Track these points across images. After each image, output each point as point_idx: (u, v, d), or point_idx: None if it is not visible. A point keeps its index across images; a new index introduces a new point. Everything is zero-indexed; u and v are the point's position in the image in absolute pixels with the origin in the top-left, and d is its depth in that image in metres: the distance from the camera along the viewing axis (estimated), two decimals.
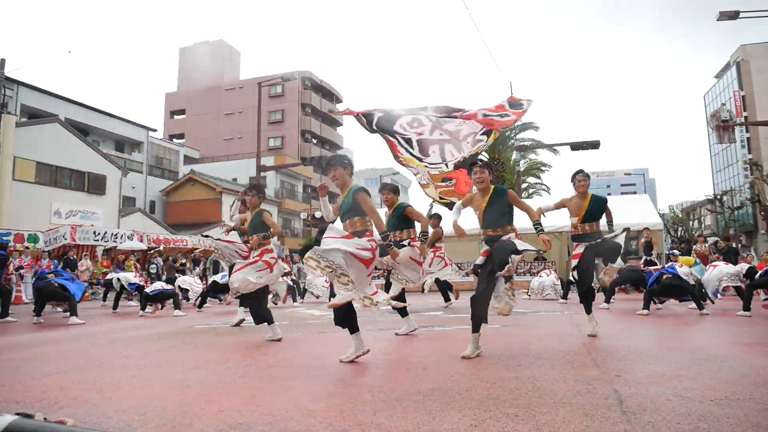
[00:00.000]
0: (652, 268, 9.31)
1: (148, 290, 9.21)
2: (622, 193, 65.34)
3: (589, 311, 5.08)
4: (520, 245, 3.88)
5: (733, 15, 14.06)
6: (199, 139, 44.83)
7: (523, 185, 26.77)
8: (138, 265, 15.26)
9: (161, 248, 17.88)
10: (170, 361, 4.10)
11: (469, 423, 2.30)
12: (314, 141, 45.78)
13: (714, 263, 8.47)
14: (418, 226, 5.64)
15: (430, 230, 7.14)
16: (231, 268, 6.37)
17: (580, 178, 5.31)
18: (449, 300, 8.92)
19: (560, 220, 12.08)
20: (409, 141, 5.20)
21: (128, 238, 16.86)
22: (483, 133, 5.29)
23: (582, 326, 5.53)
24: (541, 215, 4.64)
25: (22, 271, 13.33)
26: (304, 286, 12.92)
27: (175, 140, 43.32)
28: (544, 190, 28.73)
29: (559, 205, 5.39)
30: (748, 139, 43.12)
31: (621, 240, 5.38)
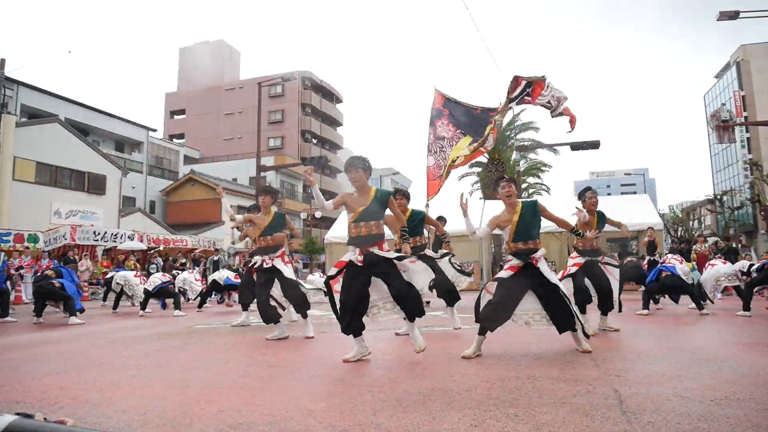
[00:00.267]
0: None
1: (148, 287, 9.23)
2: (622, 193, 65.32)
3: (582, 311, 5.18)
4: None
5: (733, 15, 14.06)
6: (199, 139, 44.84)
7: (523, 185, 26.78)
8: (138, 265, 15.25)
9: (161, 248, 17.88)
10: (170, 361, 4.10)
11: (469, 423, 2.30)
12: (314, 141, 45.77)
13: (712, 262, 8.43)
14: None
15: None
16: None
17: (590, 195, 5.44)
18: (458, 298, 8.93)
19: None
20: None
21: (129, 238, 16.86)
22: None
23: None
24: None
25: (22, 271, 13.33)
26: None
27: (175, 140, 43.34)
28: (544, 190, 28.75)
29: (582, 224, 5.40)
30: (748, 139, 43.14)
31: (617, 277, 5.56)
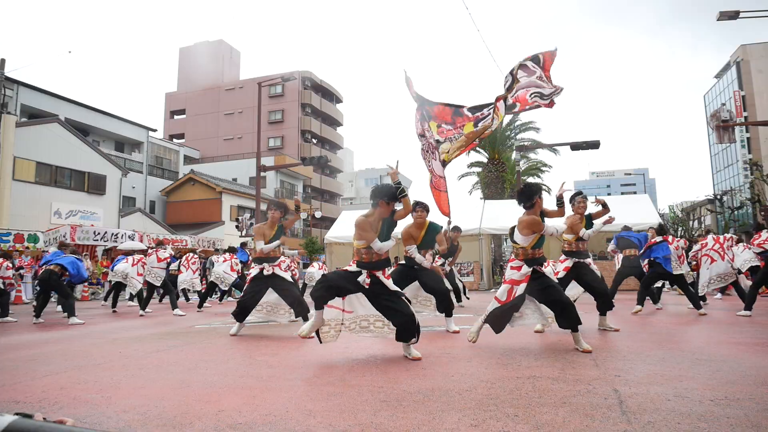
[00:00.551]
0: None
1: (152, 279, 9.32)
2: (622, 193, 65.37)
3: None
4: None
5: (733, 15, 14.05)
6: (199, 139, 44.83)
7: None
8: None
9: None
10: (170, 361, 4.10)
11: (469, 423, 2.30)
12: (314, 141, 45.76)
13: (711, 255, 8.18)
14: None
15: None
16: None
17: (579, 200, 5.68)
18: (460, 300, 8.95)
19: (560, 220, 12.11)
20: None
21: (129, 238, 16.87)
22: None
23: (581, 325, 5.53)
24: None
25: (22, 271, 13.33)
26: (304, 282, 12.94)
27: (175, 140, 43.34)
28: (544, 190, 28.73)
29: (570, 226, 5.65)
30: (748, 139, 43.16)
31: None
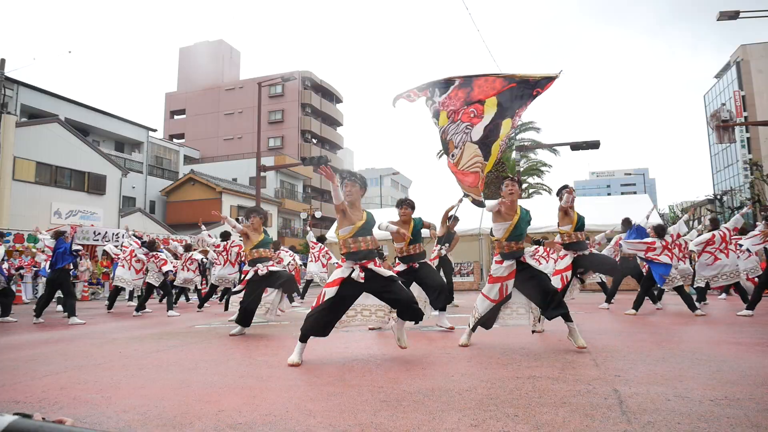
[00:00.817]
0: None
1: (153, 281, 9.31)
2: (622, 193, 65.38)
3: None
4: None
5: (733, 15, 14.05)
6: (199, 139, 44.82)
7: (524, 185, 26.77)
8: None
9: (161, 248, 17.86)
10: (170, 361, 4.10)
11: (469, 423, 2.30)
12: (314, 141, 45.76)
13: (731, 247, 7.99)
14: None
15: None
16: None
17: (566, 192, 5.72)
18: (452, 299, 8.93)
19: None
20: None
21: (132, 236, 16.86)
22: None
23: (581, 325, 5.53)
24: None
25: (22, 271, 13.34)
26: (304, 285, 12.93)
27: (175, 140, 43.33)
28: (545, 189, 28.72)
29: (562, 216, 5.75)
30: (748, 139, 43.18)
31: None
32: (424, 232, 5.77)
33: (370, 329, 5.56)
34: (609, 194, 65.23)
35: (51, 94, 25.18)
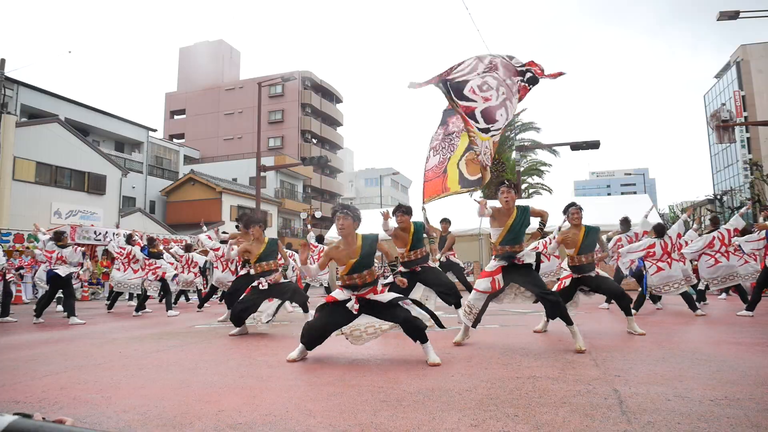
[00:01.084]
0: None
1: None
2: (622, 193, 65.36)
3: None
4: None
5: (733, 15, 14.05)
6: (199, 139, 44.82)
7: (524, 185, 26.77)
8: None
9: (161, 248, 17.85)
10: (170, 361, 4.10)
11: (469, 423, 2.30)
12: (314, 141, 45.76)
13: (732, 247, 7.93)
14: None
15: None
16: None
17: (573, 210, 5.37)
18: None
19: (560, 220, 12.06)
20: (473, 114, 5.12)
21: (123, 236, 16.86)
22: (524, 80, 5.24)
23: (581, 326, 5.53)
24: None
25: (22, 271, 13.32)
26: (303, 287, 12.92)
27: (175, 140, 43.32)
28: (545, 189, 28.73)
29: (560, 242, 5.43)
30: (748, 139, 43.18)
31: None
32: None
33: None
34: (609, 194, 65.22)
35: (51, 94, 25.17)
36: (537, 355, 4.04)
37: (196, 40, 61.14)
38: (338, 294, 3.98)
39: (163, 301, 11.63)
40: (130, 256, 9.38)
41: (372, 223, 7.65)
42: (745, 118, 40.51)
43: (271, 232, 33.26)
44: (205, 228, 10.21)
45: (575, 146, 17.76)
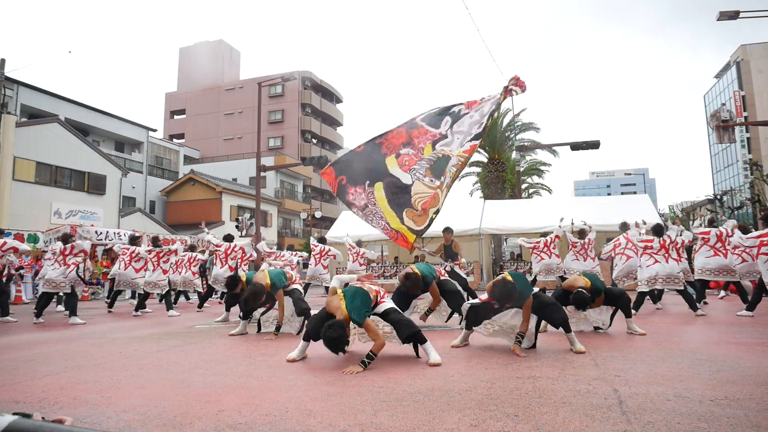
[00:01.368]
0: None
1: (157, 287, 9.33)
2: (622, 193, 65.35)
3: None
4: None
5: (733, 15, 14.05)
6: (199, 139, 44.83)
7: (524, 185, 26.76)
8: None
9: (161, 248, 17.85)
10: (170, 361, 4.10)
11: (469, 423, 2.30)
12: (314, 141, 45.76)
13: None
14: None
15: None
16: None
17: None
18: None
19: (558, 220, 12.06)
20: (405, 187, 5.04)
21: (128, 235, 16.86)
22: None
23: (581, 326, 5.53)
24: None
25: (22, 271, 13.33)
26: (306, 282, 12.94)
27: (175, 140, 43.33)
28: (544, 189, 28.71)
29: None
30: (748, 139, 43.18)
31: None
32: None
33: None
34: (609, 194, 65.22)
35: (51, 94, 25.17)
36: (537, 355, 4.04)
37: (196, 40, 61.15)
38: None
39: (163, 301, 11.63)
40: (133, 255, 9.39)
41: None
42: (745, 118, 40.50)
43: (271, 232, 33.29)
44: (206, 230, 10.23)
45: (575, 146, 17.76)
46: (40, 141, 20.66)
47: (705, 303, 8.34)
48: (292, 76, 22.99)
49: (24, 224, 17.23)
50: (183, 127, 47.16)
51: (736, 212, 38.33)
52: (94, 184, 23.12)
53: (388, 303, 4.19)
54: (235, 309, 6.87)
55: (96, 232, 16.49)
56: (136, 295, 11.47)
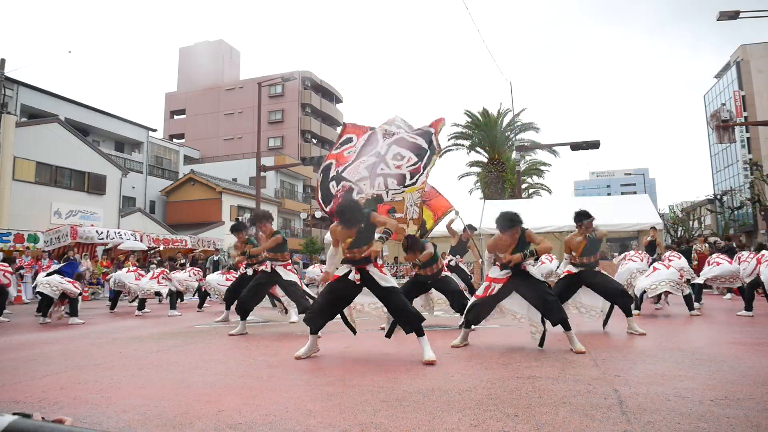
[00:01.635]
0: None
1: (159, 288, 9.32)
2: (622, 193, 65.32)
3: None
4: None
5: (733, 15, 14.05)
6: (199, 139, 44.81)
7: (524, 185, 26.77)
8: (137, 263, 15.25)
9: (161, 248, 17.88)
10: (170, 361, 4.10)
11: (469, 423, 2.30)
12: (314, 141, 45.75)
13: (717, 260, 8.01)
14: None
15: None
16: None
17: (587, 223, 5.32)
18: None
19: (560, 220, 12.06)
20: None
21: (132, 236, 16.88)
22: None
23: (581, 326, 5.54)
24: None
25: (22, 272, 13.32)
26: (305, 283, 12.97)
27: (175, 140, 43.32)
28: (544, 189, 28.72)
29: (567, 249, 5.47)
30: (748, 139, 43.17)
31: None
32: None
33: (381, 328, 5.55)
34: (609, 194, 65.22)
35: (51, 94, 25.17)
36: (537, 355, 4.04)
37: (196, 40, 61.14)
38: (339, 270, 4.15)
39: (164, 300, 11.63)
40: (139, 270, 9.53)
41: None
42: (745, 118, 40.49)
43: None
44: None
45: (575, 146, 17.76)
46: (40, 141, 20.66)
47: (701, 305, 8.35)
48: (292, 76, 23.02)
49: (24, 224, 17.22)
50: (183, 127, 47.15)
51: (736, 212, 38.34)
52: (94, 184, 23.11)
53: (390, 280, 4.14)
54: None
55: (96, 232, 16.49)
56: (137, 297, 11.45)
